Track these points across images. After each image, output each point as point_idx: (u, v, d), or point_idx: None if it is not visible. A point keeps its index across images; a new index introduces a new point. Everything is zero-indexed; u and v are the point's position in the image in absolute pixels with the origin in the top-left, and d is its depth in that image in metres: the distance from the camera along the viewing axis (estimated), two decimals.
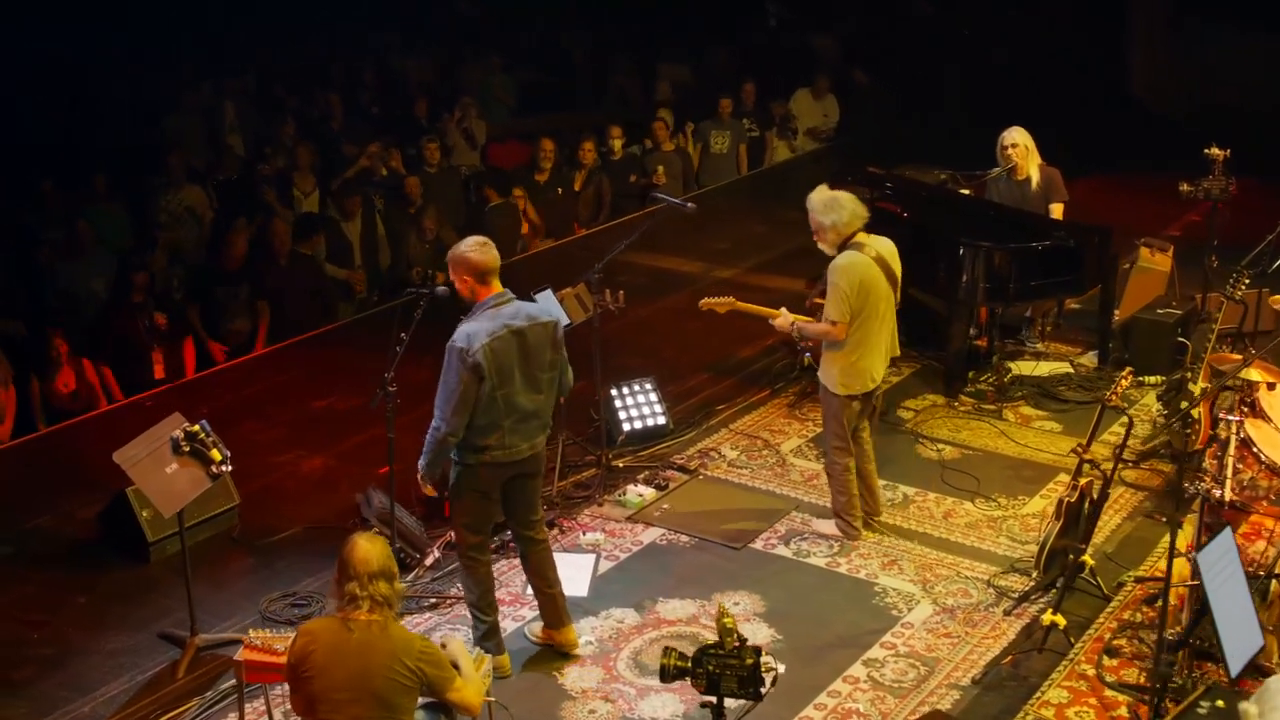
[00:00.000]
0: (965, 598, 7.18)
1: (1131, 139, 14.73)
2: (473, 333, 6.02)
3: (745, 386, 9.66)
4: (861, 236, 7.32)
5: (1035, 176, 9.55)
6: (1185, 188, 9.54)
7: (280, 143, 13.24)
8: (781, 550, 7.65)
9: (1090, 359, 9.93)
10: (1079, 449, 6.74)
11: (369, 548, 5.02)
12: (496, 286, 6.19)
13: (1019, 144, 9.44)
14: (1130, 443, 8.27)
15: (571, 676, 6.60)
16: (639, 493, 8.14)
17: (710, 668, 4.94)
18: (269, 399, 9.45)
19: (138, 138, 13.77)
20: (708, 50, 17.92)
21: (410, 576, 7.21)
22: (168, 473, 6.47)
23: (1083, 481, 6.92)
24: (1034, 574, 7.17)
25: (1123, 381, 6.83)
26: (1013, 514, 7.96)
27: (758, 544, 7.70)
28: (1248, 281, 8.01)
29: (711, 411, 9.24)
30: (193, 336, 10.11)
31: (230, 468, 6.63)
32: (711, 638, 6.85)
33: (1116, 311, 9.96)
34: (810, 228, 7.43)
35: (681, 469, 8.46)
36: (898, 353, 7.69)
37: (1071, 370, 9.75)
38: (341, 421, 9.19)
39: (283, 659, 5.46)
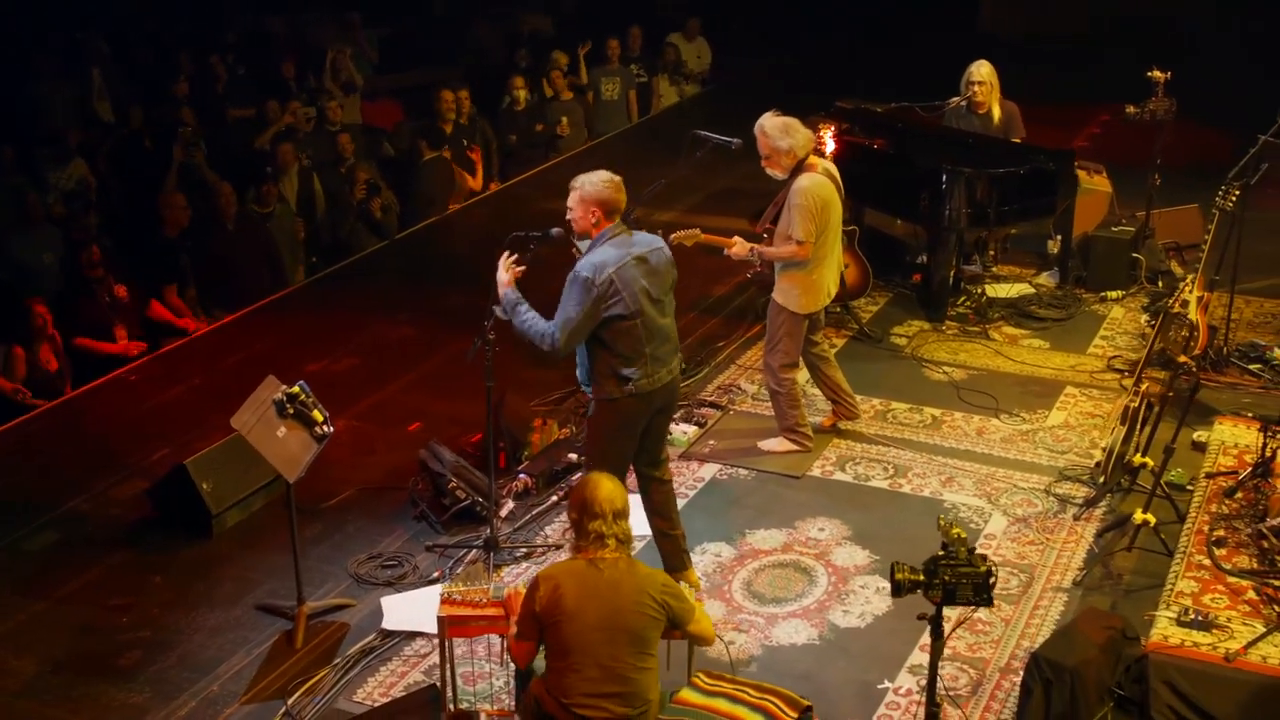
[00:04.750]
0: (1031, 507, 7.45)
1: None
2: (599, 263, 6.03)
3: (734, 323, 9.77)
4: (812, 158, 7.58)
5: (997, 111, 9.86)
6: (1130, 110, 10.01)
7: (175, 103, 12.67)
8: (841, 476, 7.80)
9: (1046, 279, 10.33)
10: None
11: (611, 487, 4.97)
12: (615, 219, 6.19)
13: (985, 81, 9.73)
14: (1122, 353, 8.81)
15: None
16: (683, 430, 8.17)
17: (946, 578, 5.01)
18: (260, 366, 9.03)
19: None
20: None
21: (488, 529, 7.08)
22: (279, 436, 6.24)
23: (1143, 388, 7.26)
24: (1099, 479, 7.49)
25: (1186, 289, 7.17)
26: (1040, 426, 8.27)
27: (815, 471, 7.83)
28: (1238, 193, 8.44)
29: (714, 349, 9.31)
30: (157, 299, 9.64)
31: (332, 429, 6.40)
32: (813, 564, 7.06)
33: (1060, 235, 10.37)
34: (761, 153, 7.58)
35: (713, 405, 8.52)
36: (844, 267, 8.00)
37: (1033, 290, 10.13)
38: (345, 383, 8.96)
39: (484, 610, 5.40)
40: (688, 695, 4.99)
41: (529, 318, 6.13)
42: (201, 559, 7.07)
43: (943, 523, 5.14)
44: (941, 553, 5.05)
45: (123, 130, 12.12)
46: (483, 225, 11.96)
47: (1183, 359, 7.02)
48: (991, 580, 5.03)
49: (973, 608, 5.44)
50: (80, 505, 7.53)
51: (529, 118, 13.56)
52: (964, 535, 5.04)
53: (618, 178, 6.18)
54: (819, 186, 7.47)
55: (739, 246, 7.77)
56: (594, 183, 6.15)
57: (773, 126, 7.51)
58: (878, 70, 15.05)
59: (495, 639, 6.04)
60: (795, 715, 4.87)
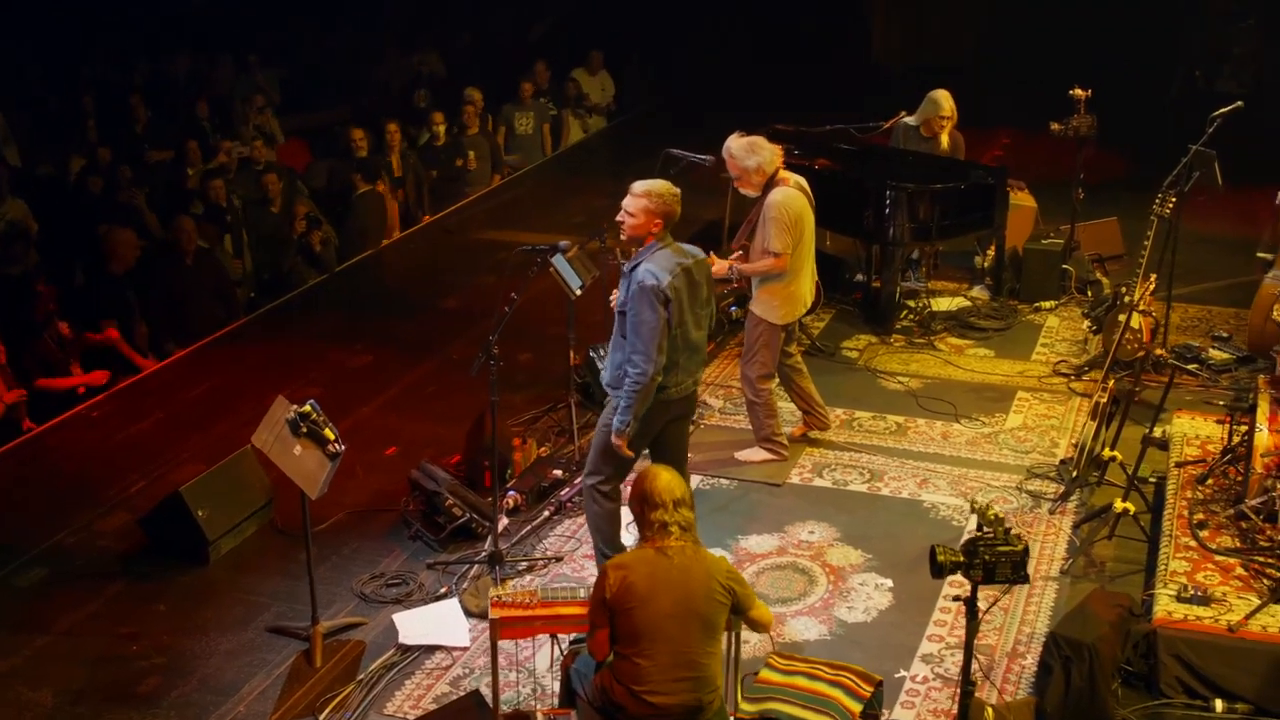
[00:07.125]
0: (1007, 504, 7.72)
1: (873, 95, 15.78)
2: (658, 270, 6.18)
3: None
4: (783, 173, 7.83)
5: (945, 141, 10.20)
6: (1055, 127, 10.42)
7: (87, 145, 12.53)
8: (820, 482, 8.00)
9: (978, 292, 10.67)
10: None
11: (669, 477, 5.10)
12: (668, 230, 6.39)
13: (953, 116, 10.05)
14: (1066, 358, 9.18)
15: None
16: None
17: (986, 557, 5.19)
18: (222, 398, 9.05)
19: None
20: (454, 38, 17.92)
21: (489, 544, 7.13)
22: (296, 454, 6.23)
23: (1110, 384, 7.59)
24: (1069, 474, 7.78)
25: (1149, 286, 7.51)
26: (1000, 429, 8.57)
27: (794, 478, 8.02)
28: (1174, 201, 8.83)
29: None
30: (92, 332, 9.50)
31: (344, 446, 6.41)
32: (810, 565, 7.23)
33: (989, 250, 10.72)
34: (732, 175, 7.84)
35: None
36: (815, 278, 8.23)
37: (969, 303, 10.47)
38: None
39: (535, 610, 5.46)
40: (768, 675, 5.12)
41: (624, 396, 6.26)
42: (200, 586, 7.01)
43: (975, 502, 5.34)
44: (979, 533, 5.25)
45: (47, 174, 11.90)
46: (418, 257, 12.04)
47: (1159, 351, 7.35)
48: (1028, 558, 5.25)
49: (1008, 587, 5.62)
50: (65, 540, 7.41)
51: (448, 153, 13.63)
52: (1001, 515, 5.24)
53: (678, 190, 6.32)
54: (792, 199, 7.70)
55: (717, 265, 7.95)
56: (661, 195, 6.27)
57: (738, 148, 7.74)
58: (777, 97, 15.39)
59: (511, 645, 6.12)
60: (870, 689, 5.02)
